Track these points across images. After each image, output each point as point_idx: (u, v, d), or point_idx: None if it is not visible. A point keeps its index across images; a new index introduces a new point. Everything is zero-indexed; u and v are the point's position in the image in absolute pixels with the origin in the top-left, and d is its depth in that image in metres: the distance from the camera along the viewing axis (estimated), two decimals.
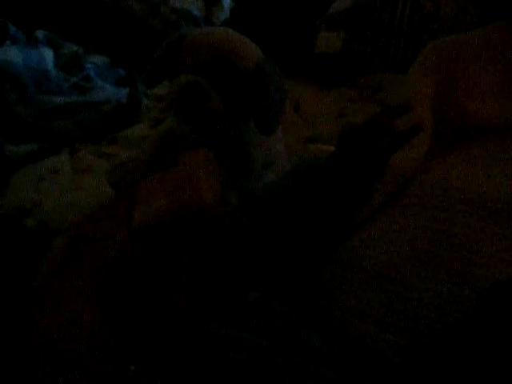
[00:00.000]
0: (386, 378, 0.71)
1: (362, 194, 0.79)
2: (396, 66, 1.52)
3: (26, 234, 1.01)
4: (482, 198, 0.94)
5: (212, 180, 0.56)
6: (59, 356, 0.47)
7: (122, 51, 1.72)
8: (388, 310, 0.82)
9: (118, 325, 0.51)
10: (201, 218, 0.53)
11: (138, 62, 1.66)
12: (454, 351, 0.64)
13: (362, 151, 0.80)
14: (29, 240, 0.97)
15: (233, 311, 0.59)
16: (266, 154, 1.03)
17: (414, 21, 1.54)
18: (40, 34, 1.67)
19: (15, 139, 1.36)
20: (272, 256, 0.75)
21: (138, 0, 1.71)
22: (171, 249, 0.53)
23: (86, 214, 0.59)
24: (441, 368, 0.68)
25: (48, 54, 1.60)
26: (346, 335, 0.79)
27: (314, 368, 0.62)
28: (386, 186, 0.98)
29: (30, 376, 0.46)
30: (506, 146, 1.13)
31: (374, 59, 1.57)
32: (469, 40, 1.22)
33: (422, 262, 0.87)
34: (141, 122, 1.48)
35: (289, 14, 1.73)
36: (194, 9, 1.69)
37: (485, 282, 0.81)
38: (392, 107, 0.84)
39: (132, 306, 0.53)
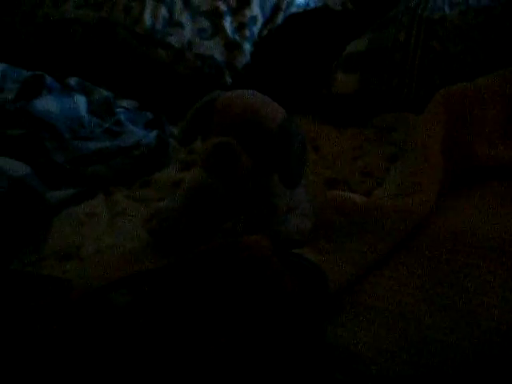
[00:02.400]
0: None
1: None
2: (410, 106, 1.60)
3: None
4: (490, 241, 1.03)
5: None
6: None
7: (150, 95, 1.82)
8: (403, 345, 0.91)
9: None
10: None
11: (165, 105, 1.76)
12: None
13: None
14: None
15: None
16: (288, 201, 1.12)
17: (425, 61, 1.62)
18: (73, 81, 1.76)
19: (53, 185, 1.43)
20: None
21: (164, 47, 1.80)
22: None
23: None
24: None
25: (81, 101, 1.68)
26: (363, 368, 0.88)
27: None
28: (397, 230, 1.08)
29: None
30: None
31: (389, 99, 1.65)
32: (477, 88, 1.32)
33: (433, 303, 0.97)
34: (170, 164, 1.56)
35: (306, 56, 1.82)
36: (216, 54, 1.78)
37: (491, 321, 0.90)
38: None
39: None
